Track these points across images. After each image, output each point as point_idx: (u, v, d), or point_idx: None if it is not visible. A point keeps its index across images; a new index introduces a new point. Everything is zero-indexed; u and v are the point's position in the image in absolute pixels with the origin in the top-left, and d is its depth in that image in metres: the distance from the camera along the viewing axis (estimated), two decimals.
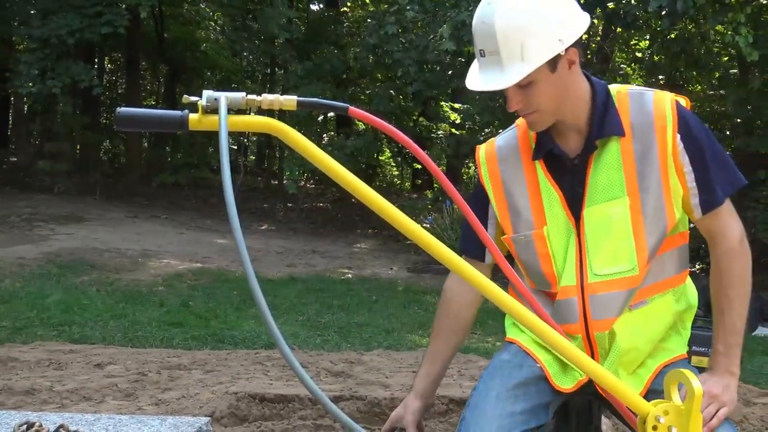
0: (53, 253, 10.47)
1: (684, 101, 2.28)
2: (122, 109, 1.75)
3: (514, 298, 1.88)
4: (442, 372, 2.51)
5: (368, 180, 19.46)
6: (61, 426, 2.61)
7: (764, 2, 13.19)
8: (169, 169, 19.55)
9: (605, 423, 4.52)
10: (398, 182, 25.30)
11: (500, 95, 2.08)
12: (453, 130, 15.87)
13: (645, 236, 2.22)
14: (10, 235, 11.91)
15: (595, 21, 16.49)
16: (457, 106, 15.07)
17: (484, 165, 2.43)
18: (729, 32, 11.56)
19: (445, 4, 12.64)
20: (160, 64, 22.27)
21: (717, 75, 15.97)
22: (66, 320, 7.16)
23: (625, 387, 1.92)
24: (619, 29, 16.08)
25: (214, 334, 7.00)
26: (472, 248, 2.44)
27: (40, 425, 2.60)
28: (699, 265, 14.62)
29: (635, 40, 17.37)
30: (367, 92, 18.29)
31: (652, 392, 2.06)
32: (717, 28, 13.30)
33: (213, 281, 9.58)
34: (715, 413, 2.14)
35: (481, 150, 2.47)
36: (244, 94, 1.73)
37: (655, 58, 16.04)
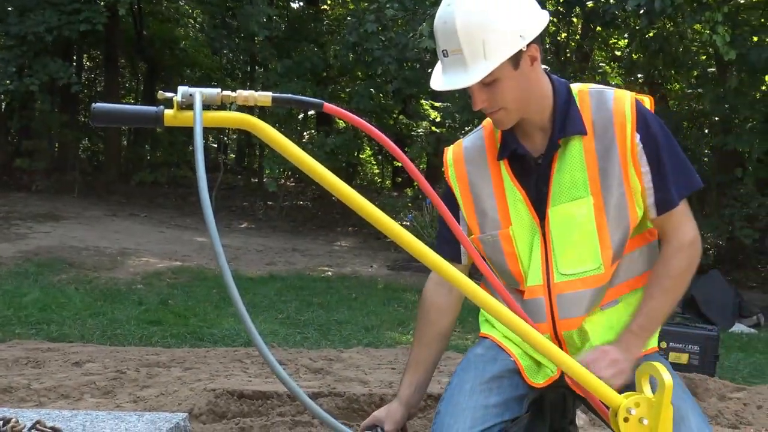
0: (31, 251, 10.41)
1: (648, 101, 2.31)
2: (98, 105, 1.76)
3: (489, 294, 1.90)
4: (426, 379, 2.50)
5: (349, 178, 19.47)
6: (38, 422, 2.60)
7: (741, 1, 13.29)
8: (149, 167, 19.45)
9: (582, 418, 4.56)
10: (379, 180, 25.31)
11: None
12: (433, 128, 15.91)
13: (609, 235, 2.25)
14: None
15: (575, 20, 16.59)
16: (437, 104, 15.09)
17: (451, 167, 2.45)
18: (706, 31, 11.64)
19: (425, 2, 12.64)
20: (139, 61, 22.15)
21: (695, 74, 16.08)
22: (44, 318, 7.12)
23: (597, 380, 1.95)
24: (598, 28, 16.18)
25: (193, 332, 6.99)
26: (446, 250, 2.43)
27: (17, 421, 2.59)
28: None
29: (614, 38, 17.47)
30: (348, 90, 18.26)
31: (624, 385, 2.08)
32: (695, 26, 13.39)
33: (192, 279, 9.56)
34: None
35: (449, 152, 2.48)
36: (219, 90, 1.74)
37: (634, 56, 16.14)
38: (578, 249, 2.26)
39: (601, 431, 4.21)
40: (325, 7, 21.26)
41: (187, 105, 1.71)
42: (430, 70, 2.29)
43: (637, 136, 2.20)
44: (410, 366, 2.50)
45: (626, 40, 16.36)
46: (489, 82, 2.14)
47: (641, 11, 12.03)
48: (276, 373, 1.54)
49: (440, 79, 2.20)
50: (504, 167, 2.34)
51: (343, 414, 4.43)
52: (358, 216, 1.79)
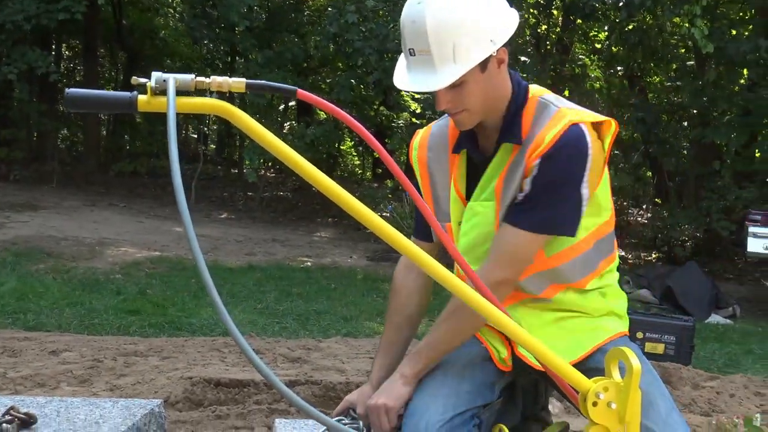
0: (8, 240, 10.35)
1: (612, 129, 2.22)
2: (71, 90, 1.77)
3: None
4: (397, 362, 2.48)
5: (329, 169, 19.44)
6: (11, 408, 2.59)
7: None
8: (128, 157, 19.35)
9: (557, 406, 4.60)
10: (360, 171, 25.30)
11: None
12: (414, 119, 15.90)
13: None
14: None
15: (555, 12, 16.66)
16: (417, 95, 15.09)
17: (415, 150, 2.47)
18: (685, 24, 11.75)
19: None
20: (119, 51, 21.99)
21: (674, 66, 16.19)
22: (21, 308, 7.10)
23: (566, 365, 1.97)
24: (578, 20, 16.25)
25: (172, 322, 6.99)
26: (420, 229, 2.48)
27: None
28: (655, 254, 14.85)
29: (594, 31, 17.55)
30: (328, 81, 18.24)
31: (593, 370, 2.10)
32: (674, 20, 13.51)
33: (171, 269, 9.53)
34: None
35: (417, 136, 2.50)
36: (193, 76, 1.75)
37: (614, 49, 16.23)
38: (479, 249, 2.29)
39: (575, 419, 4.24)
40: None
41: (161, 91, 1.72)
42: None
43: (538, 160, 2.15)
44: (381, 349, 2.51)
45: (606, 33, 16.43)
46: (456, 84, 2.12)
47: (621, 4, 12.14)
48: (249, 357, 1.55)
49: (405, 78, 2.18)
50: (459, 161, 2.35)
51: (319, 402, 4.46)
52: (338, 207, 1.79)
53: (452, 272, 1.94)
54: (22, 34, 14.68)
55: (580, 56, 18.28)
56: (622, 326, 2.42)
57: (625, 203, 16.58)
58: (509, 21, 2.16)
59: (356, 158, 26.09)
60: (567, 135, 2.14)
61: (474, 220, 2.30)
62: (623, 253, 14.49)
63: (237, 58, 18.01)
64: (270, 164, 18.77)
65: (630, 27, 14.53)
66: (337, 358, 5.73)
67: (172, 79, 1.70)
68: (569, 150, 2.15)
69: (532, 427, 2.53)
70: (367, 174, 24.68)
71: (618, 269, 2.49)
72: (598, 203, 2.29)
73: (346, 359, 5.66)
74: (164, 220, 13.67)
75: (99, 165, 18.77)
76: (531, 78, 15.14)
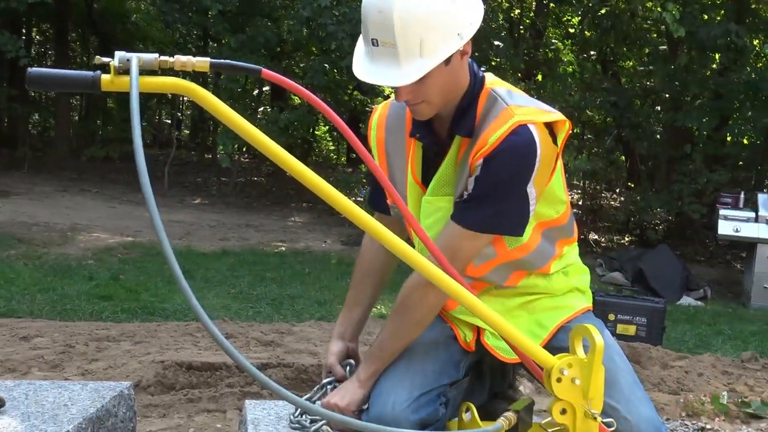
0: None
1: (566, 127, 2.21)
2: (33, 69, 1.76)
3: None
4: (361, 316, 2.54)
5: (304, 155, 19.38)
6: None
7: None
8: (100, 142, 19.20)
9: (528, 387, 4.64)
10: (334, 157, 25.27)
11: None
12: None
13: None
14: None
15: None
16: None
17: (374, 131, 2.45)
18: (657, 9, 11.79)
19: None
20: (90, 35, 21.78)
21: (647, 51, 16.26)
22: None
23: (530, 342, 1.99)
24: (551, 5, 16.29)
25: (145, 307, 6.96)
26: (381, 203, 2.48)
27: None
28: (628, 237, 14.97)
29: (567, 16, 17.59)
30: (302, 65, 18.15)
31: (557, 348, 2.13)
32: (646, 4, 13.55)
33: (144, 255, 9.48)
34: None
35: (376, 114, 2.47)
36: (156, 55, 1.74)
37: (587, 33, 16.27)
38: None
39: (547, 399, 4.27)
40: None
41: (125, 70, 1.71)
42: None
43: (480, 161, 2.13)
44: (345, 306, 2.57)
45: (579, 17, 16.47)
46: None
47: None
48: (216, 338, 1.56)
49: (367, 68, 2.12)
50: (416, 146, 2.34)
51: (292, 384, 4.47)
52: (312, 192, 1.79)
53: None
54: None
55: (553, 41, 18.31)
56: (586, 301, 2.45)
57: (598, 187, 16.67)
58: (476, 13, 2.12)
59: (331, 143, 26.05)
60: (511, 137, 2.11)
61: (438, 215, 2.28)
62: (596, 236, 14.60)
63: (210, 42, 17.89)
64: (244, 149, 18.69)
65: (603, 11, 14.58)
66: (311, 341, 5.74)
67: (135, 58, 1.70)
68: (513, 153, 2.11)
69: (499, 406, 2.55)
70: (342, 159, 24.66)
71: (578, 244, 2.52)
72: (553, 195, 2.29)
73: (319, 342, 5.67)
74: (137, 206, 13.58)
75: (71, 150, 18.61)
76: (504, 62, 15.20)
